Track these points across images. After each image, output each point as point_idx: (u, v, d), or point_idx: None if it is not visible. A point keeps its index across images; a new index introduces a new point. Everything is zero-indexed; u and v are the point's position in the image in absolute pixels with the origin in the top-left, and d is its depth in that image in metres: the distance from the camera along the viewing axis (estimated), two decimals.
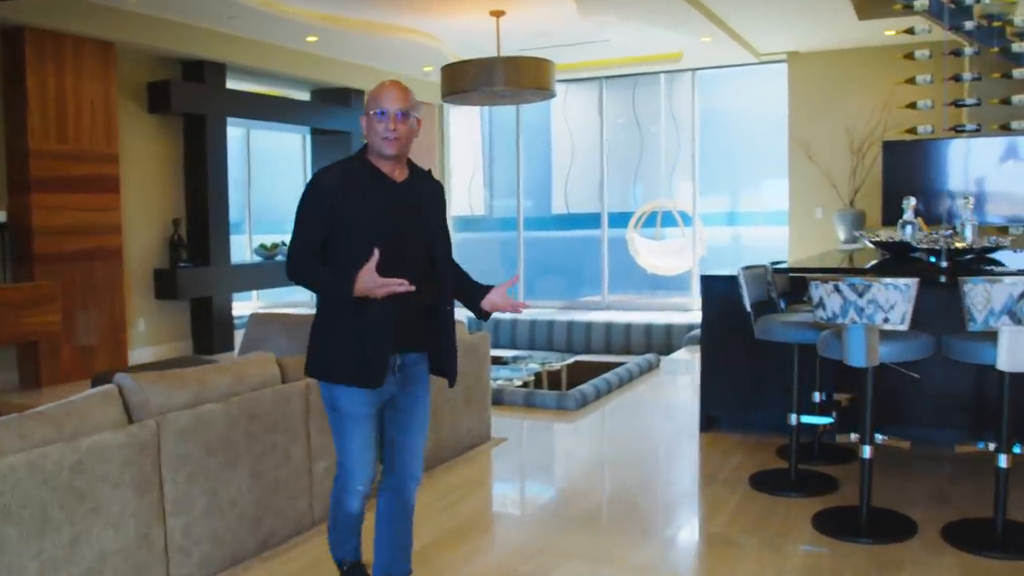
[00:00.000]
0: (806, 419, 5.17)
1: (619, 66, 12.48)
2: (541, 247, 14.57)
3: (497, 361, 10.47)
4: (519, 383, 9.43)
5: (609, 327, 11.22)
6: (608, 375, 7.94)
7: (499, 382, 9.35)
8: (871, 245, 6.20)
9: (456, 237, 15.47)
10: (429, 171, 3.50)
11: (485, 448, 5.99)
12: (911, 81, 8.66)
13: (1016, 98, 8.40)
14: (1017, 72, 8.34)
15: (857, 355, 4.26)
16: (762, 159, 13.05)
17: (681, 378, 8.68)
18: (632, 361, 8.69)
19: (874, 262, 5.95)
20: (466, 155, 15.21)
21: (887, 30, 10.44)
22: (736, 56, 11.82)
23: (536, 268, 14.41)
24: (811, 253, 11.71)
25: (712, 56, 11.98)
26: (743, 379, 6.21)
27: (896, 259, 5.81)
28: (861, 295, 4.16)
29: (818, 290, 4.29)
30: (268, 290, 12.56)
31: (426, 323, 3.36)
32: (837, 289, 4.22)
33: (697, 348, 10.00)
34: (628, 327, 11.18)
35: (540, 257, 14.51)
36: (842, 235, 11.20)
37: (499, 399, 7.28)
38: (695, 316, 11.93)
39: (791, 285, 5.73)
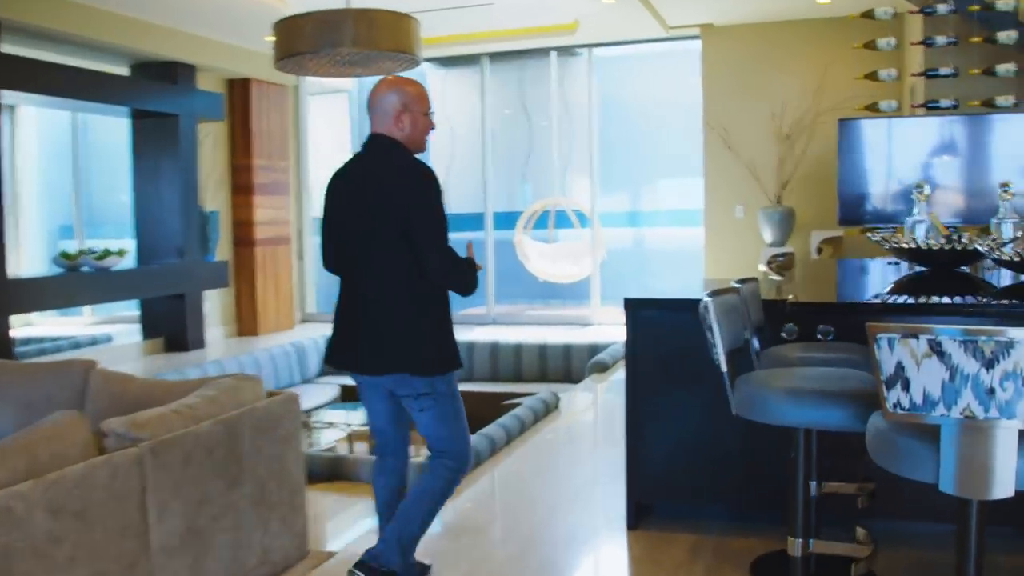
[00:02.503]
0: (824, 547, 3.01)
1: (504, 40, 10.21)
2: None
3: (354, 399, 8.16)
4: None
5: (495, 349, 8.94)
6: (490, 429, 5.69)
7: (352, 429, 7.06)
8: (891, 251, 4.02)
9: (320, 240, 13.17)
10: None
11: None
12: (870, 46, 6.65)
13: (1002, 68, 6.44)
14: (1002, 35, 6.38)
15: (976, 479, 2.10)
16: (671, 152, 11.02)
17: (589, 428, 6.51)
18: (524, 404, 6.47)
19: (893, 283, 3.80)
20: (331, 148, 12.82)
21: None
22: (642, 29, 9.70)
23: None
24: (734, 258, 9.67)
25: (613, 28, 9.84)
26: (692, 452, 4.05)
27: (936, 275, 3.65)
28: (991, 363, 1.99)
29: (895, 351, 2.11)
30: (107, 304, 10.02)
31: None
32: (938, 350, 2.04)
33: (604, 378, 7.92)
34: (518, 348, 8.94)
35: None
36: (768, 237, 9.18)
37: (337, 471, 5.00)
38: (597, 332, 9.81)
39: (764, 317, 3.61)
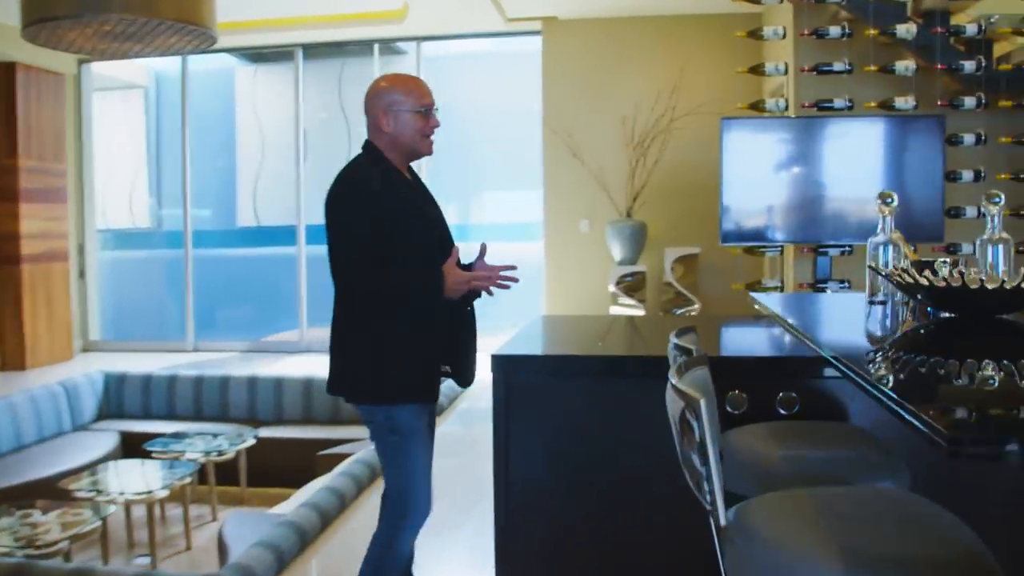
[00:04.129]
0: None
1: (321, 27, 8.64)
2: (221, 269, 10.53)
3: (137, 450, 6.45)
4: (165, 491, 5.48)
5: (310, 385, 7.27)
6: (300, 512, 4.15)
7: (127, 497, 5.38)
8: (901, 288, 2.68)
9: (114, 256, 11.19)
10: (415, 170, 3.05)
11: None
12: (755, 34, 5.50)
13: (900, 64, 5.39)
14: (901, 28, 5.34)
15: None
16: (508, 160, 9.72)
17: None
18: (339, 471, 4.93)
19: (904, 331, 2.51)
20: (125, 151, 10.93)
21: None
22: (478, 20, 8.38)
23: (213, 296, 10.28)
24: (579, 277, 8.43)
25: (446, 19, 8.47)
26: None
27: (968, 325, 2.36)
28: None
29: None
30: None
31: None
32: None
33: (437, 423, 6.47)
34: None
35: (219, 282, 10.43)
36: (618, 254, 7.98)
37: None
38: None
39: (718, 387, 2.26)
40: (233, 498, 6.49)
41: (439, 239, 2.91)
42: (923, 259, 3.23)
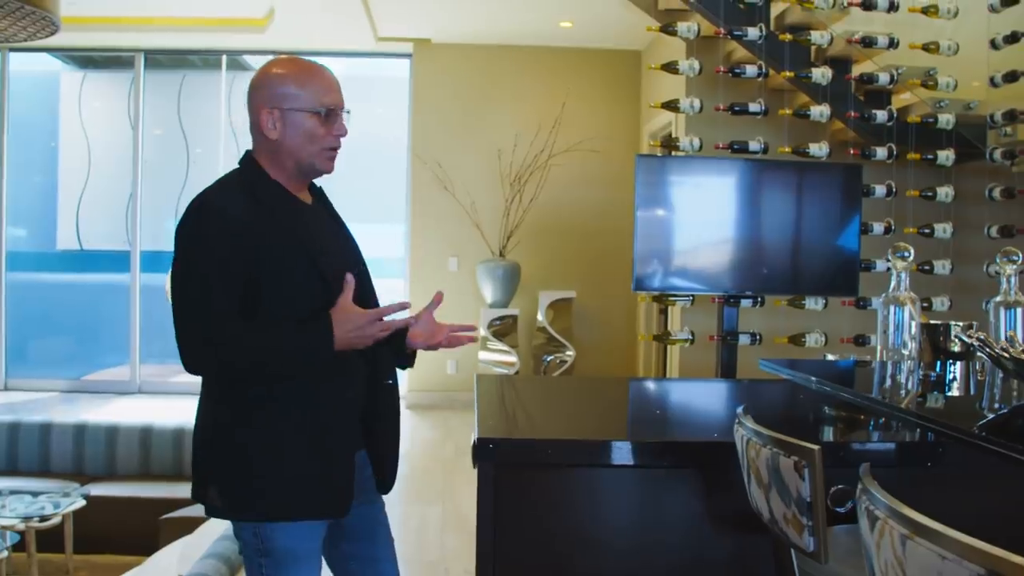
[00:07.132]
0: None
1: (170, 30, 7.66)
2: (38, 296, 9.35)
3: None
4: None
5: (148, 433, 6.34)
6: None
7: None
8: (995, 362, 2.23)
9: None
10: (320, 187, 2.30)
11: None
12: (670, 67, 5.11)
13: (816, 110, 5.11)
14: (817, 73, 5.06)
15: None
16: (370, 191, 9.04)
17: None
18: (207, 556, 4.14)
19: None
20: None
21: (563, 20, 6.99)
22: (349, 36, 7.69)
23: (29, 327, 9.07)
24: (443, 319, 7.87)
25: (314, 31, 7.76)
26: None
27: None
28: None
29: None
30: None
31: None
32: None
33: None
34: (180, 433, 6.40)
35: (34, 311, 9.26)
36: (489, 296, 7.46)
37: None
38: None
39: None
40: (57, 569, 5.50)
41: (330, 281, 2.05)
42: (932, 322, 2.87)
